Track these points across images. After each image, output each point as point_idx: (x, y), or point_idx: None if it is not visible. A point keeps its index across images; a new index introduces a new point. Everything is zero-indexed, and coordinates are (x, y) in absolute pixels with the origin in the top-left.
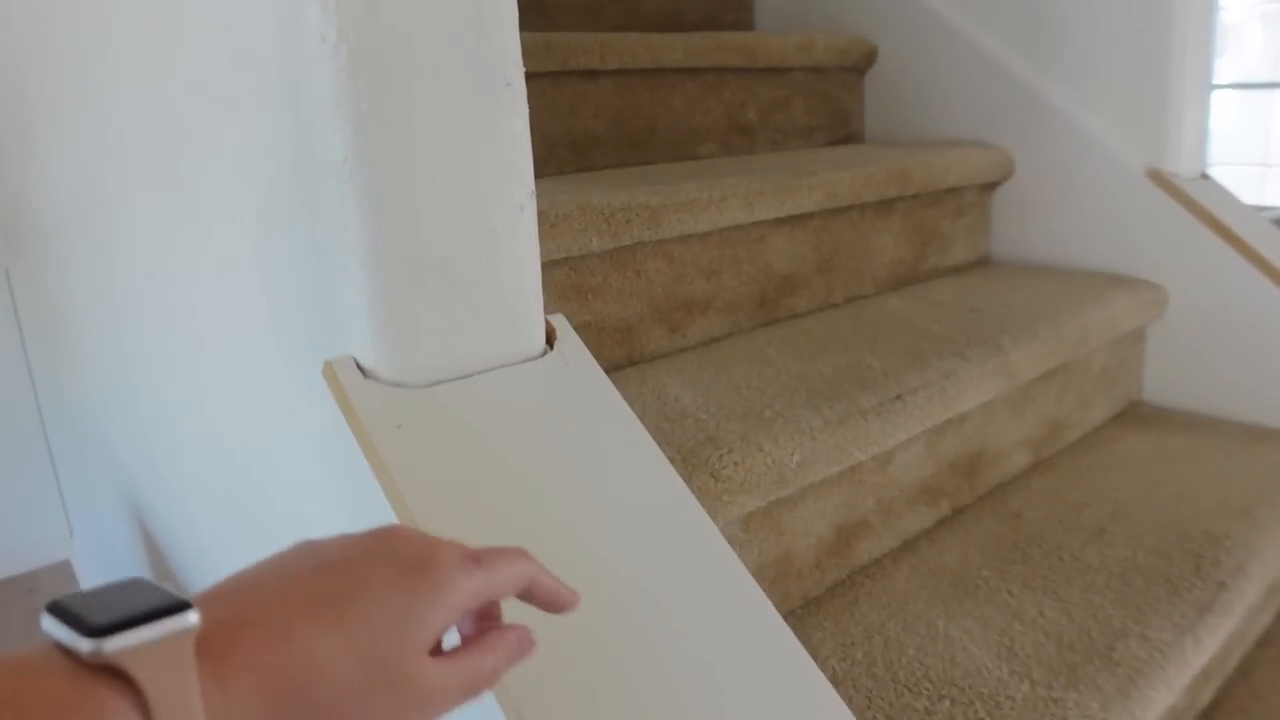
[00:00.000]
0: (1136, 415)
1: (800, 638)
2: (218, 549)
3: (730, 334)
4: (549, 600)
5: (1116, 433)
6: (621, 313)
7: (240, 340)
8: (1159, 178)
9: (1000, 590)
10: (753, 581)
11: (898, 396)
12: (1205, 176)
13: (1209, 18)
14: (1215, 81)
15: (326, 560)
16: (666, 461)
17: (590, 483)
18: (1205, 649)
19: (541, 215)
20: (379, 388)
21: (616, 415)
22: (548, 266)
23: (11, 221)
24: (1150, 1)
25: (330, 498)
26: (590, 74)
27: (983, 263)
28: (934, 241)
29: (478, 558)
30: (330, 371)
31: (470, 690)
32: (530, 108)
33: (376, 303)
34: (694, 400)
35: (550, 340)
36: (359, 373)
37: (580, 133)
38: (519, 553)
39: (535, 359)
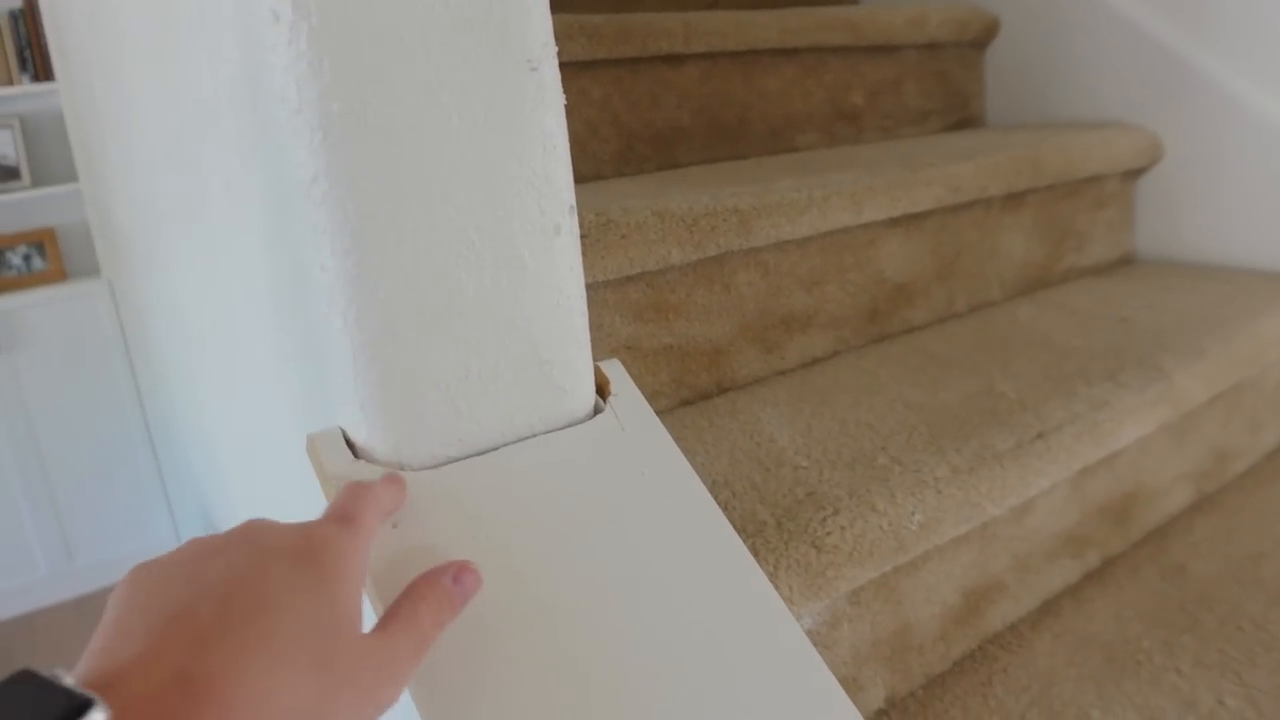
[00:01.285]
0: None
1: None
2: None
3: (835, 353)
4: (397, 499)
5: None
6: (708, 333)
7: (252, 385)
8: None
9: (1167, 669)
10: (839, 691)
11: (1039, 435)
12: None
13: None
14: None
15: (213, 582)
16: (743, 549)
17: (644, 590)
18: None
19: (612, 225)
20: (372, 471)
21: (683, 494)
22: (620, 283)
23: (107, 234)
24: None
25: None
26: (674, 59)
27: (1126, 262)
28: (1070, 239)
29: (344, 515)
30: (313, 449)
31: (420, 645)
32: (606, 98)
33: (364, 363)
34: (792, 440)
35: (602, 392)
36: (348, 451)
37: (663, 125)
38: (366, 488)
39: (580, 423)
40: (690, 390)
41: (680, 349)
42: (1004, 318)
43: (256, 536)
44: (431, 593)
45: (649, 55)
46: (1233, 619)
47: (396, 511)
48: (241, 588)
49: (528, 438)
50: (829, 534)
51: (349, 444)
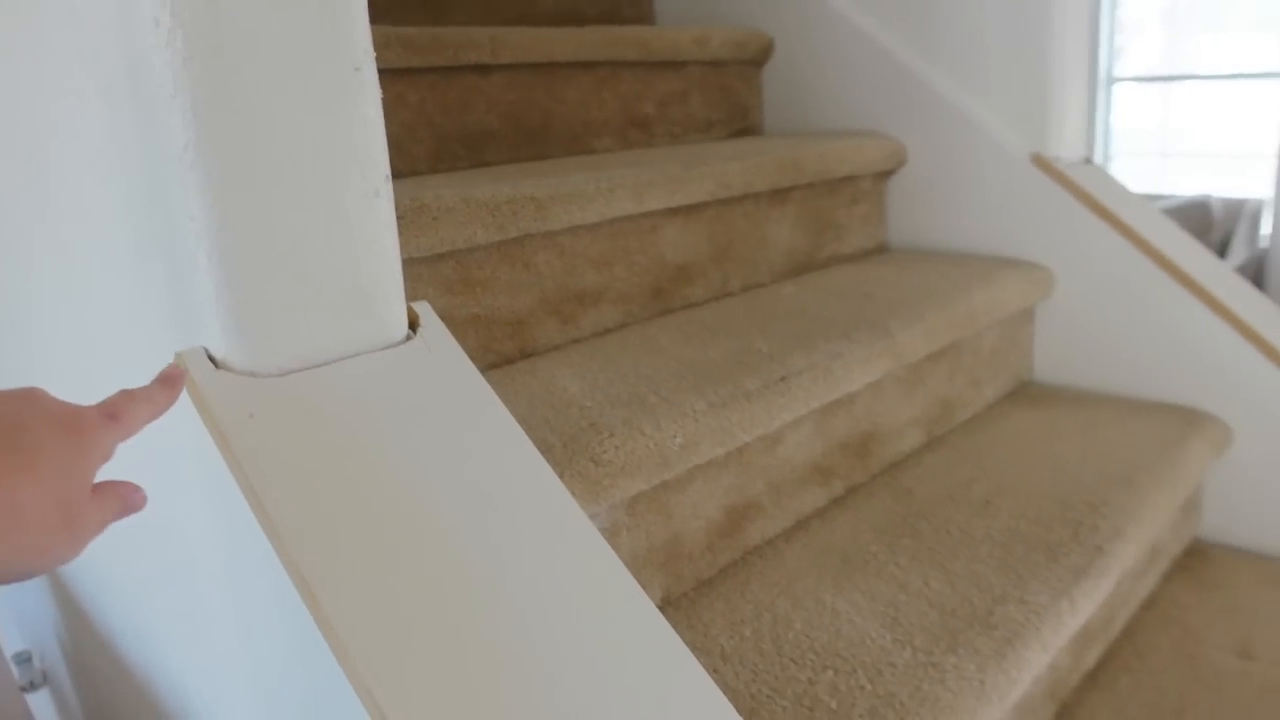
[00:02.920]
0: (1027, 394)
1: (691, 618)
2: (104, 553)
3: (624, 324)
4: (169, 399)
5: (1007, 410)
6: (512, 305)
7: (106, 338)
8: (1042, 163)
9: (889, 564)
10: (624, 570)
11: (782, 378)
12: (1088, 161)
13: (1087, 10)
14: (1119, 75)
15: None
16: (533, 448)
17: (448, 469)
18: (1081, 611)
19: (424, 208)
20: (230, 378)
21: (480, 400)
22: (433, 260)
23: None
24: None
25: (194, 490)
26: (483, 69)
27: (880, 250)
28: (830, 230)
29: (111, 411)
30: (180, 362)
31: (111, 518)
32: (421, 103)
33: (224, 293)
34: (581, 389)
35: (414, 326)
36: (210, 364)
37: (474, 128)
38: (138, 393)
39: (396, 345)
40: (496, 355)
41: (486, 319)
42: (770, 295)
43: (35, 398)
44: (119, 490)
45: (460, 65)
46: (944, 527)
47: (167, 410)
48: (14, 428)
49: (353, 356)
50: (605, 451)
51: (210, 359)
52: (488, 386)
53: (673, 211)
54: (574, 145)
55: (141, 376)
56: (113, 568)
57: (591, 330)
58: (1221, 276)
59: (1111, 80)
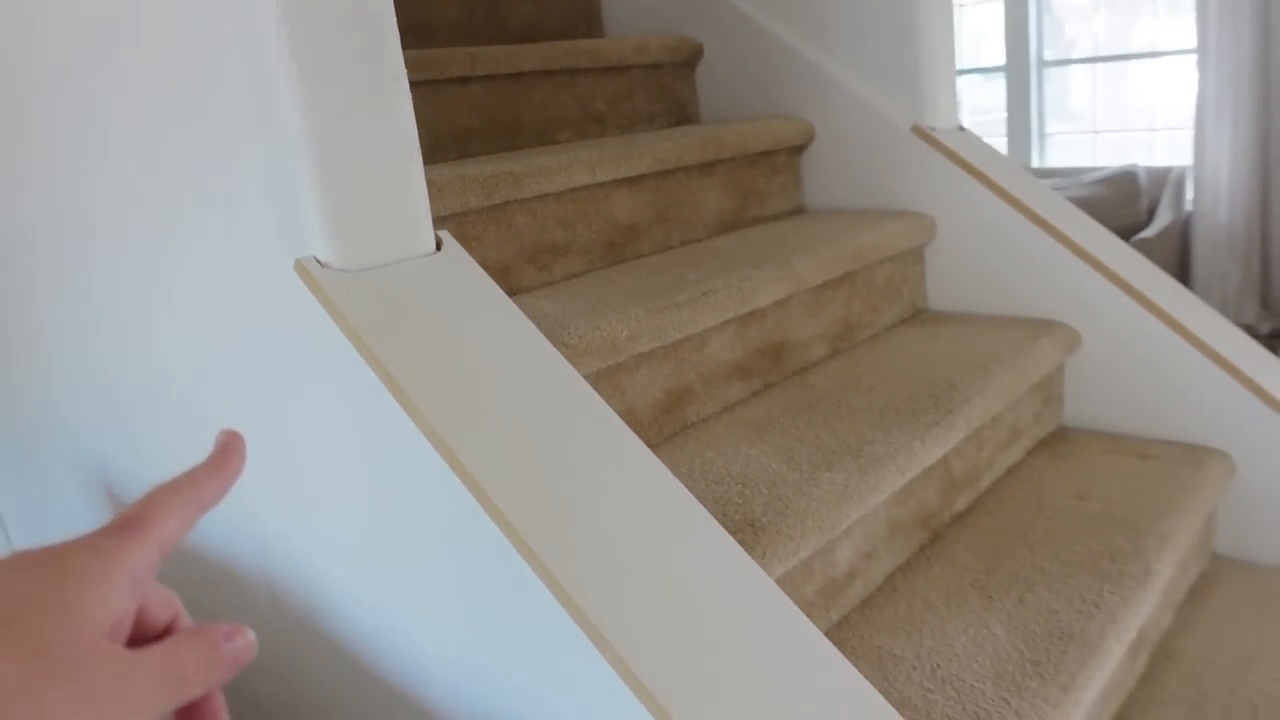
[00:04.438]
0: (919, 319)
1: None
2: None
3: (586, 271)
4: (220, 488)
5: (902, 330)
6: (499, 256)
7: (204, 253)
8: (920, 132)
9: (790, 428)
10: (612, 412)
11: (704, 294)
12: (961, 129)
13: (949, 3)
14: (1049, 59)
15: None
16: (533, 326)
17: (480, 336)
18: (931, 451)
19: (431, 183)
20: (331, 272)
21: (491, 291)
22: (437, 221)
23: None
24: None
25: (308, 369)
26: (464, 80)
27: (798, 211)
28: (753, 196)
29: (124, 521)
30: (299, 266)
31: (171, 689)
32: (417, 109)
33: (326, 218)
34: (554, 309)
35: (439, 247)
36: (319, 264)
37: (460, 128)
38: (168, 488)
39: (430, 255)
40: None
41: (480, 266)
42: (703, 247)
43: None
44: (195, 641)
45: (446, 78)
46: (836, 405)
47: (216, 499)
48: None
49: (404, 260)
50: (570, 338)
51: (318, 262)
52: (494, 284)
53: (620, 182)
54: (541, 138)
55: (246, 285)
56: None
57: (562, 275)
58: (1068, 214)
59: (1043, 63)
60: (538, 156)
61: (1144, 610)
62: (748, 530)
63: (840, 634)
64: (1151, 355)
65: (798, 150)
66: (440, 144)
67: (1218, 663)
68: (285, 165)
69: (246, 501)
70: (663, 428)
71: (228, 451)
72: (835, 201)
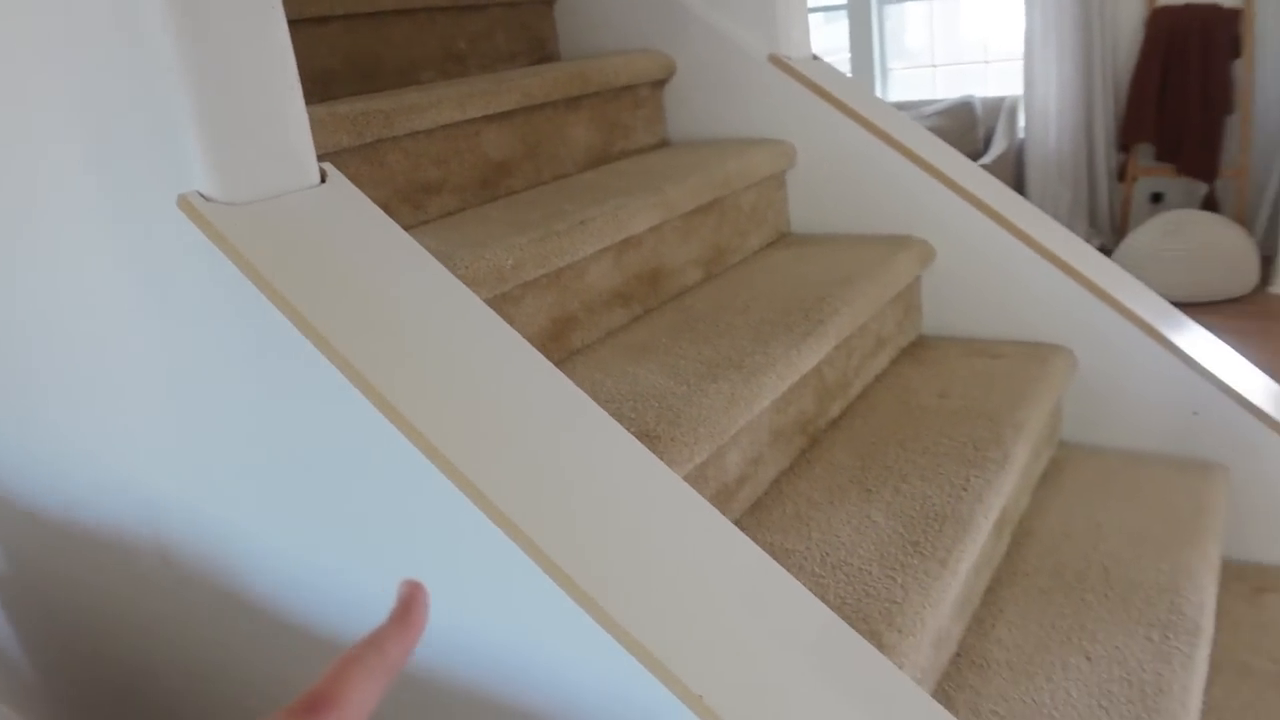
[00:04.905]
0: (785, 241)
1: None
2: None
3: (462, 209)
4: (406, 649)
5: (769, 253)
6: (374, 196)
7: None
8: (777, 60)
9: (673, 348)
10: (503, 322)
11: (581, 222)
12: (815, 58)
13: None
14: None
15: None
16: (423, 250)
17: (373, 258)
18: (806, 359)
19: None
20: (216, 206)
21: (377, 218)
22: None
23: None
24: None
25: (200, 310)
26: (323, 20)
27: (663, 144)
28: (619, 130)
29: (314, 700)
30: (183, 201)
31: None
32: None
33: (208, 151)
34: (435, 244)
35: (324, 179)
36: (203, 199)
37: (319, 69)
38: (355, 660)
39: (315, 187)
40: None
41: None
42: (575, 180)
43: None
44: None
45: (304, 17)
46: (714, 325)
47: (403, 662)
48: None
49: (289, 192)
50: (457, 268)
51: (201, 196)
52: (382, 213)
53: (490, 119)
54: (403, 79)
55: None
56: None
57: (438, 214)
58: (919, 135)
59: (882, 1)
60: (407, 95)
61: (1005, 490)
62: (645, 440)
63: None
64: (999, 263)
65: (660, 84)
66: (301, 87)
67: (1072, 535)
68: (160, 95)
69: (137, 467)
70: (551, 355)
71: (411, 607)
72: (699, 133)
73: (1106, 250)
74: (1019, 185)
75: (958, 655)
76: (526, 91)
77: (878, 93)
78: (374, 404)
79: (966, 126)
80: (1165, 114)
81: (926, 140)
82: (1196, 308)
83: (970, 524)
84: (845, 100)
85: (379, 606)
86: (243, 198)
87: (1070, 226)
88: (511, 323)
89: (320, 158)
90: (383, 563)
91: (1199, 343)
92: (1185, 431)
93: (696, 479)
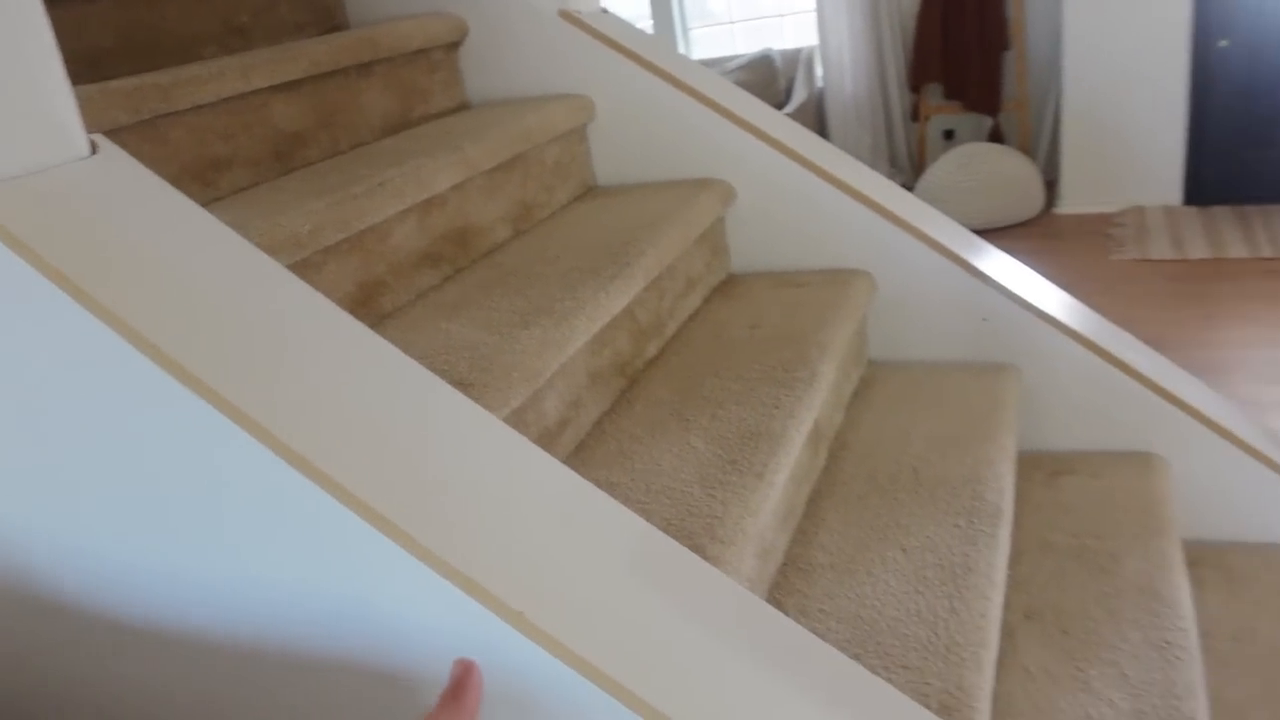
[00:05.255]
0: (591, 194)
1: None
2: None
3: (256, 183)
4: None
5: (576, 206)
6: (159, 174)
7: None
8: (568, 15)
9: (485, 303)
10: (301, 281)
11: (380, 184)
12: (605, 11)
13: None
14: None
15: None
16: (206, 212)
17: (155, 224)
18: (615, 300)
19: None
20: None
21: (160, 185)
22: None
23: None
24: None
25: None
26: None
27: (463, 107)
28: (415, 95)
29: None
30: None
31: None
32: None
33: None
34: (229, 217)
35: (95, 150)
36: None
37: (92, 49)
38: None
39: (85, 159)
40: None
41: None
42: (374, 148)
43: None
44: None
45: None
46: (525, 277)
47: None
48: None
49: (59, 165)
50: (252, 235)
51: None
52: (161, 179)
53: (278, 89)
54: (184, 56)
55: None
56: None
57: (230, 189)
58: (712, 81)
59: None
60: (186, 68)
61: (815, 404)
62: (459, 389)
63: None
64: (798, 198)
65: (454, 46)
66: (71, 69)
67: (883, 443)
68: None
69: None
70: (361, 320)
71: (463, 686)
72: (498, 94)
73: (908, 187)
74: (821, 131)
75: (785, 564)
76: (314, 59)
77: (681, 52)
78: (174, 375)
79: (768, 79)
80: (949, 55)
81: (721, 86)
82: (992, 233)
83: (783, 438)
84: (638, 51)
85: (195, 589)
86: (4, 173)
87: (873, 167)
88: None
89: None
90: (193, 538)
91: (986, 257)
92: (979, 338)
93: (516, 424)
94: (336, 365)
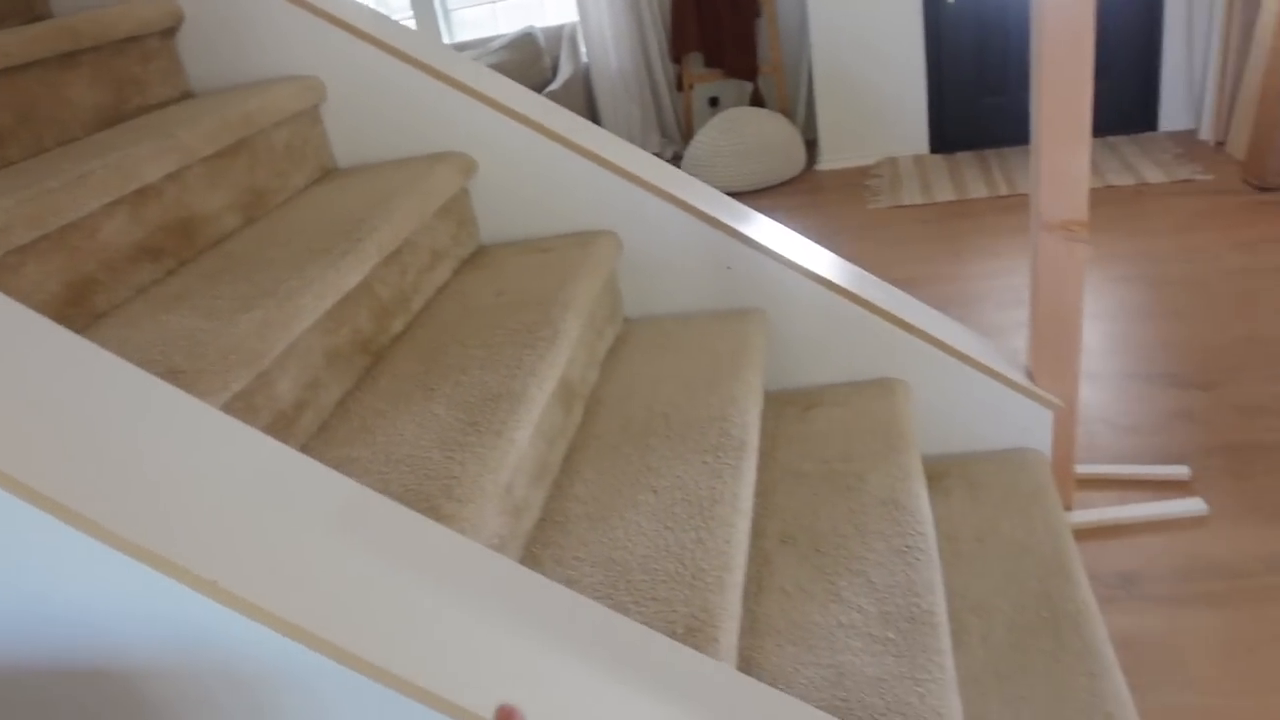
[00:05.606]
0: (330, 176)
1: None
2: None
3: None
4: None
5: (313, 189)
6: None
7: None
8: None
9: (209, 292)
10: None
11: (80, 176)
12: None
13: None
14: None
15: None
16: None
17: None
18: (346, 277)
19: None
20: None
21: None
22: None
23: None
24: None
25: None
26: None
27: (186, 96)
28: (130, 85)
29: None
30: None
31: None
32: None
33: None
34: None
35: None
36: None
37: None
38: None
39: None
40: None
41: None
42: (84, 143)
43: None
44: None
45: None
46: (255, 261)
47: None
48: None
49: None
50: None
51: None
52: None
53: None
54: None
55: None
56: None
57: None
58: (446, 55)
59: None
60: None
61: (559, 361)
62: (170, 377)
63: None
64: (541, 166)
65: (170, 33)
66: None
67: (636, 394)
68: None
69: None
70: (72, 322)
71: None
72: (224, 81)
73: (678, 155)
74: (590, 106)
75: (542, 519)
76: (4, 51)
77: (445, 35)
78: None
79: (532, 57)
80: (705, 24)
81: (456, 61)
82: (759, 193)
83: (524, 396)
84: (367, 29)
85: None
86: None
87: (644, 139)
88: (12, 292)
89: None
90: None
91: (729, 210)
92: (726, 287)
93: (244, 409)
94: (19, 367)
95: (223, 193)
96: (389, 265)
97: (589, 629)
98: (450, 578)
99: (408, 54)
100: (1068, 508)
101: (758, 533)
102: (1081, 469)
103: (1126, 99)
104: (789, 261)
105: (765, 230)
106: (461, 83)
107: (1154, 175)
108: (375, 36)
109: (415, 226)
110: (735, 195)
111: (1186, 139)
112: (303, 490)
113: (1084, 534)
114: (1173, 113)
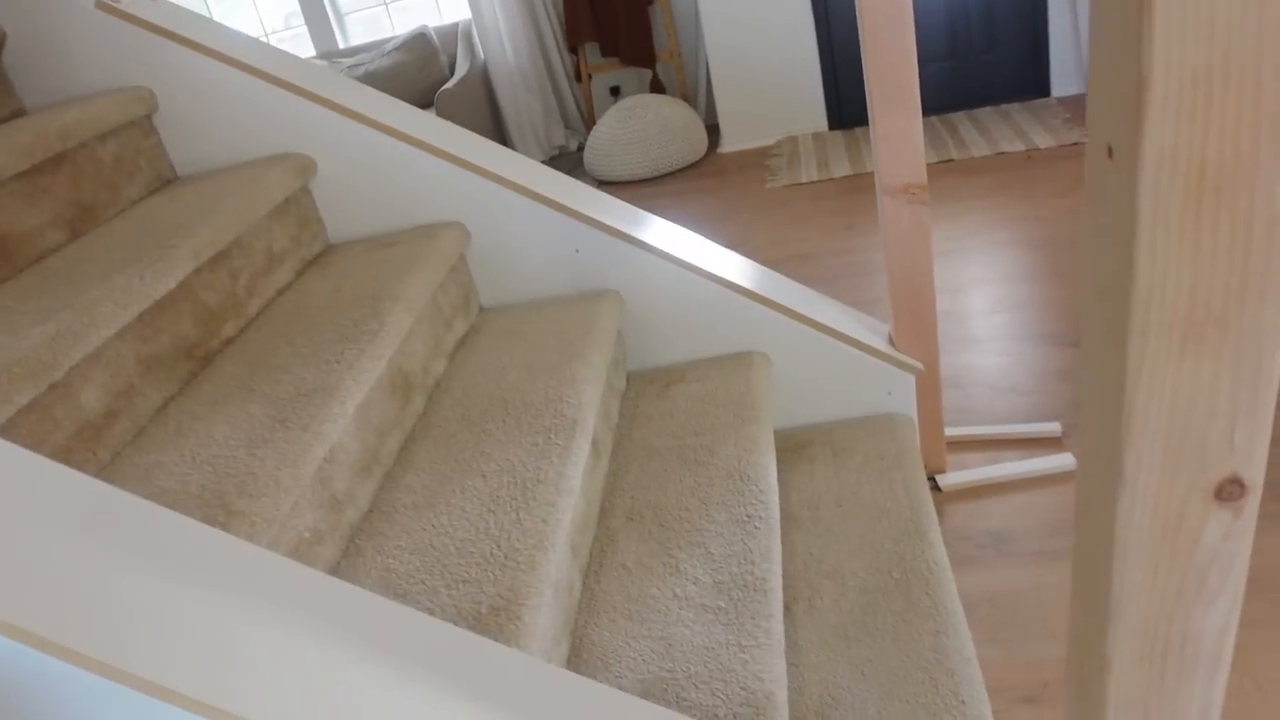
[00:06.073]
0: (168, 186)
1: None
2: None
3: None
4: None
5: (147, 200)
6: None
7: None
8: (105, 6)
9: (16, 309)
10: None
11: None
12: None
13: None
14: None
15: None
16: None
17: None
18: (155, 285)
19: None
20: None
21: None
22: None
23: None
24: None
25: None
26: None
27: (17, 115)
28: None
29: None
30: None
31: None
32: None
33: None
34: None
35: None
36: None
37: None
38: None
39: None
40: None
41: None
42: None
43: None
44: None
45: None
46: (69, 278)
47: None
48: None
49: None
50: None
51: None
52: None
53: None
54: None
55: None
56: None
57: None
58: (283, 60)
59: None
60: None
61: (382, 353)
62: None
63: (115, 467)
64: (383, 162)
65: None
66: None
67: (480, 381)
68: None
69: None
70: None
71: None
72: (54, 98)
73: (581, 146)
74: (491, 103)
75: (370, 511)
76: None
77: (339, 41)
78: None
79: (428, 56)
80: (598, 13)
81: (291, 62)
82: (663, 179)
83: (338, 390)
84: (192, 36)
85: None
86: None
87: (548, 131)
88: None
89: None
90: None
91: (579, 195)
92: (575, 270)
93: (42, 420)
94: None
95: (43, 210)
96: (214, 269)
97: (354, 617)
98: (207, 575)
99: (244, 62)
100: (940, 470)
101: (605, 512)
102: (953, 431)
103: (1017, 67)
104: (641, 243)
105: (621, 215)
106: (301, 87)
107: (1044, 140)
108: (200, 42)
109: (242, 229)
110: (638, 183)
111: (1077, 103)
112: (44, 495)
113: (956, 495)
114: (1063, 78)
